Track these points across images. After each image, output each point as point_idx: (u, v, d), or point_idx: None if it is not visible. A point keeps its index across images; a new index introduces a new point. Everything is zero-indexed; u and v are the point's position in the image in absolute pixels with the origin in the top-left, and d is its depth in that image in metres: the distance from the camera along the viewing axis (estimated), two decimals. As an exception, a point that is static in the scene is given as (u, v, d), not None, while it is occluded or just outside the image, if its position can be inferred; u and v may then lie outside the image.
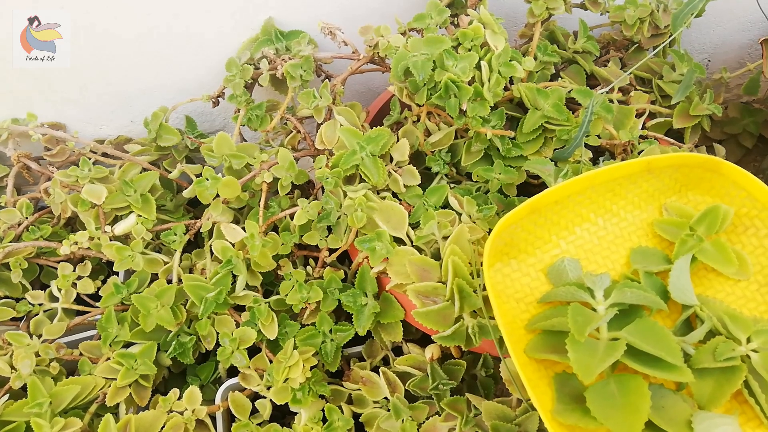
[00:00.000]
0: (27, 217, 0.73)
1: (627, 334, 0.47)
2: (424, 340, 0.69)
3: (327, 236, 0.68)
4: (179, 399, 0.62)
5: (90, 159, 0.72)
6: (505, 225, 0.54)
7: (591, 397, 0.46)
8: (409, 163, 0.69)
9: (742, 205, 0.58)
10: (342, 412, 0.63)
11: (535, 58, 0.76)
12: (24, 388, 0.60)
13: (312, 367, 0.62)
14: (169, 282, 0.68)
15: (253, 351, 0.65)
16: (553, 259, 0.58)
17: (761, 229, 0.57)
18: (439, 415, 0.61)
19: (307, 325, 0.66)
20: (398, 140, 0.69)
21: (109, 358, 0.64)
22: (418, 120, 0.72)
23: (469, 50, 0.66)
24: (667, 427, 0.45)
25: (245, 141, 0.79)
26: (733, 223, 0.58)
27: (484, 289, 0.56)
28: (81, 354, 0.66)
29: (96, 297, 0.69)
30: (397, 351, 0.70)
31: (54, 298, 0.69)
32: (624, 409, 0.44)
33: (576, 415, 0.47)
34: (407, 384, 0.64)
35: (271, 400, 0.63)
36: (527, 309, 0.56)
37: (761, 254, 0.57)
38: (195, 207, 0.84)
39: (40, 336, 0.65)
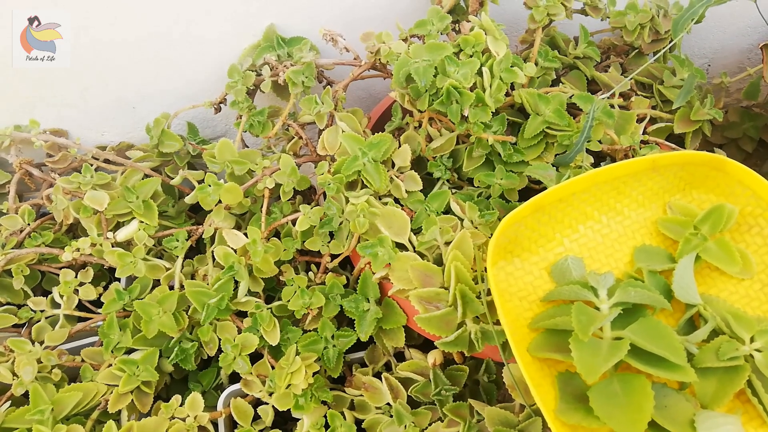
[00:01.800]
0: (29, 224, 0.73)
1: (630, 334, 0.47)
2: (426, 345, 0.69)
3: (329, 242, 0.68)
4: (181, 405, 0.62)
5: (92, 165, 0.72)
6: (509, 223, 0.54)
7: (594, 396, 0.46)
8: (410, 169, 0.69)
9: (747, 203, 0.58)
10: (344, 418, 0.63)
11: (536, 64, 0.76)
12: (26, 394, 0.59)
13: (314, 373, 0.62)
14: (171, 288, 0.67)
15: (255, 357, 0.65)
16: (556, 257, 0.58)
17: (765, 228, 0.57)
18: (442, 421, 0.61)
19: (309, 330, 0.66)
20: (400, 146, 0.69)
21: (111, 365, 0.64)
22: (420, 126, 0.73)
23: (471, 56, 0.66)
24: (669, 426, 0.46)
25: (247, 147, 0.79)
26: (737, 221, 0.58)
27: (488, 294, 0.57)
28: (83, 360, 0.66)
29: (98, 303, 0.69)
30: (400, 357, 0.70)
31: (56, 305, 0.69)
32: (627, 409, 0.44)
33: (579, 414, 0.47)
34: (410, 390, 0.63)
35: (273, 407, 0.63)
36: (530, 307, 0.56)
37: (765, 253, 0.57)
38: (197, 213, 0.84)
39: (42, 342, 0.65)
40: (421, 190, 0.68)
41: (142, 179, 0.73)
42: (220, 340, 0.64)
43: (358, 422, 0.64)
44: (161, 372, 0.65)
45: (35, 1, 0.70)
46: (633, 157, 0.70)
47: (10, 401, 0.61)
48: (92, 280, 0.70)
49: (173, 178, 0.74)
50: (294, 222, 0.67)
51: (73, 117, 0.82)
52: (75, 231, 0.78)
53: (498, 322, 0.55)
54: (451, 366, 0.66)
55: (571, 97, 0.71)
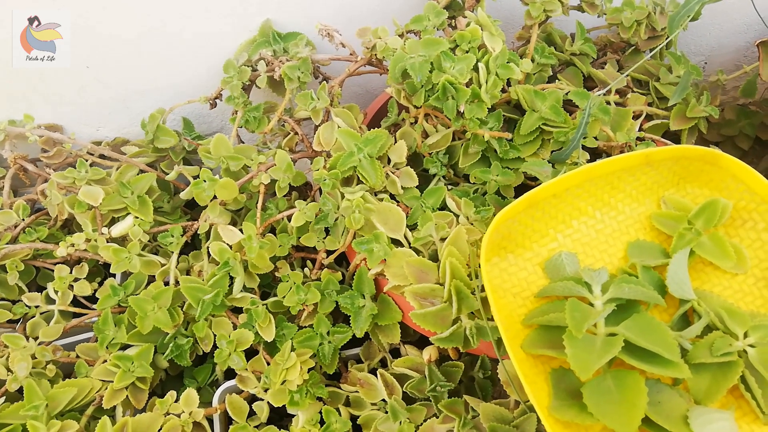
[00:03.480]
0: (23, 219, 0.73)
1: (624, 330, 0.47)
2: (421, 341, 0.69)
3: (324, 238, 0.68)
4: (176, 401, 0.61)
5: (87, 161, 0.71)
6: (503, 219, 0.54)
7: (588, 392, 0.46)
8: (406, 165, 0.69)
9: (741, 198, 0.58)
10: (339, 414, 0.63)
11: (533, 60, 0.76)
12: (20, 390, 0.59)
13: (309, 369, 0.62)
14: (166, 284, 0.67)
15: (250, 353, 0.65)
16: (550, 252, 0.58)
17: (759, 222, 0.57)
18: (437, 417, 0.61)
19: (305, 327, 0.66)
20: (396, 142, 0.69)
21: (105, 361, 0.63)
22: (416, 122, 0.72)
23: (467, 52, 0.66)
24: (663, 422, 0.46)
25: (243, 143, 0.78)
26: (731, 216, 0.58)
27: (483, 290, 0.57)
28: (78, 356, 0.66)
29: (93, 299, 0.69)
30: (395, 353, 0.70)
31: (50, 300, 0.69)
32: (621, 405, 0.44)
33: (573, 411, 0.47)
34: (405, 386, 0.63)
35: (268, 403, 0.63)
36: (524, 303, 0.56)
37: (759, 248, 0.57)
38: (192, 209, 0.83)
39: (36, 338, 0.65)
40: (416, 187, 0.68)
41: (138, 175, 0.73)
42: (215, 336, 0.64)
43: (354, 418, 0.64)
44: (156, 368, 0.65)
45: (35, 1, 0.70)
46: (629, 153, 0.70)
47: (4, 397, 0.61)
48: (87, 275, 0.70)
49: (168, 174, 0.74)
50: (289, 218, 0.67)
51: (68, 112, 0.82)
52: (70, 226, 0.78)
53: (493, 318, 0.55)
54: (447, 362, 0.66)
55: (567, 94, 0.71)
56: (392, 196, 0.68)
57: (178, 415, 0.60)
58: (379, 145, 0.65)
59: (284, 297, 0.65)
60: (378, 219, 0.63)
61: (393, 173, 0.68)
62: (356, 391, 0.65)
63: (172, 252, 0.69)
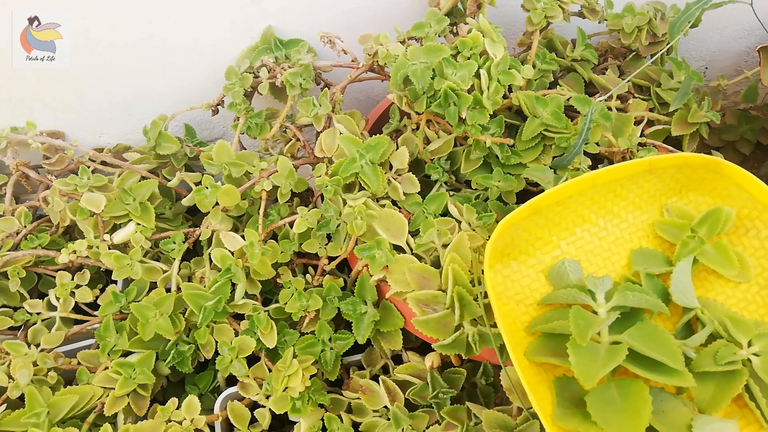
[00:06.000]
0: (25, 226, 0.73)
1: (628, 338, 0.47)
2: (423, 348, 0.69)
3: (326, 244, 0.68)
4: (178, 408, 0.61)
5: (89, 167, 0.71)
6: (506, 225, 0.54)
7: (591, 401, 0.46)
8: (408, 171, 0.69)
9: (743, 206, 0.58)
10: (341, 421, 0.63)
11: (534, 66, 0.76)
12: (22, 397, 0.59)
13: (311, 376, 0.61)
14: (168, 290, 0.67)
15: (252, 360, 0.64)
16: (553, 260, 0.58)
17: (762, 230, 0.57)
18: (440, 424, 0.61)
19: (307, 333, 0.66)
20: (397, 148, 0.69)
21: (107, 368, 0.63)
22: (418, 128, 0.73)
23: (468, 58, 0.66)
24: (667, 431, 0.45)
25: (244, 149, 0.79)
26: (735, 224, 0.58)
27: (485, 296, 0.56)
28: (79, 363, 0.65)
29: (94, 306, 0.69)
30: (397, 359, 0.70)
31: (52, 307, 0.69)
32: (625, 414, 0.44)
33: (576, 419, 0.46)
34: (407, 393, 0.63)
35: (270, 410, 0.63)
36: (527, 311, 0.56)
37: (762, 256, 0.57)
38: (194, 215, 0.83)
39: (38, 345, 0.65)
40: (418, 193, 0.68)
41: (139, 181, 0.73)
42: (217, 342, 0.64)
43: (356, 425, 0.64)
44: (158, 375, 0.65)
45: (35, 1, 0.70)
46: (630, 159, 0.70)
47: (5, 404, 0.61)
48: (89, 282, 0.70)
49: (170, 180, 0.74)
50: (291, 224, 0.67)
51: (70, 119, 0.82)
52: (72, 233, 0.78)
53: (495, 325, 0.55)
54: (449, 369, 0.66)
55: (568, 100, 0.71)
56: (394, 203, 0.68)
57: (180, 422, 0.60)
58: (380, 152, 0.65)
59: (286, 303, 0.65)
60: (380, 225, 0.63)
61: (395, 179, 0.68)
62: (358, 398, 0.65)
63: (174, 259, 0.69)
